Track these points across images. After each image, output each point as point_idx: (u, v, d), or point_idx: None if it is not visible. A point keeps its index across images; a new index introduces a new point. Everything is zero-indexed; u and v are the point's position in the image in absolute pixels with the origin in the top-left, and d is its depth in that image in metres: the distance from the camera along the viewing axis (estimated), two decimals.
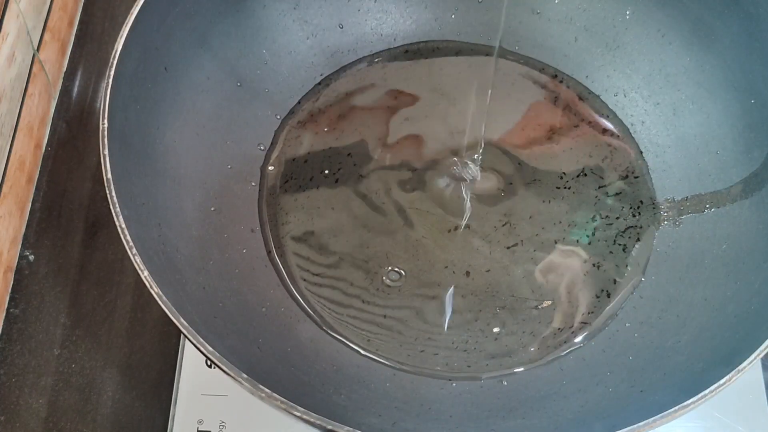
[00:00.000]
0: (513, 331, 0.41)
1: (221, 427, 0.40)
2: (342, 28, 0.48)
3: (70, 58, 0.52)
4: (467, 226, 0.44)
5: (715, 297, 0.39)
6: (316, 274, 0.42)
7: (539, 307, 0.42)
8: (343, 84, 0.47)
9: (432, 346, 0.40)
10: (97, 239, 0.47)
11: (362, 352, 0.40)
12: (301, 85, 0.47)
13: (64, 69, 0.52)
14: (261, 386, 0.30)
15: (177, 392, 0.41)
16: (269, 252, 0.42)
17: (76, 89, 0.52)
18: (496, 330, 0.41)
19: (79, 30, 0.53)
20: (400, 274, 0.42)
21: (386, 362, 0.40)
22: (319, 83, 0.47)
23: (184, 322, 0.31)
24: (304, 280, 0.42)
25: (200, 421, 0.40)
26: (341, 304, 0.41)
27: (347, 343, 0.40)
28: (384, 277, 0.42)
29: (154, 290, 0.31)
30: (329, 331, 0.40)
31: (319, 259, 0.42)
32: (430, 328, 0.41)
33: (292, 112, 0.46)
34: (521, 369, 0.40)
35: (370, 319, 0.41)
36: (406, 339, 0.41)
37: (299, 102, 0.47)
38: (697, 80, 0.44)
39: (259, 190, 0.44)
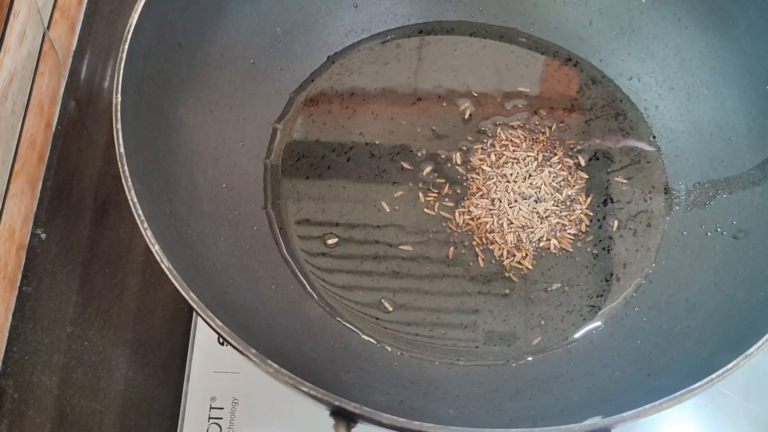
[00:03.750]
0: (522, 313, 0.41)
1: (234, 404, 0.40)
2: (356, 7, 0.47)
3: (79, 36, 0.52)
4: (479, 207, 0.44)
5: (725, 283, 0.39)
6: (324, 255, 0.42)
7: (548, 289, 0.42)
8: (356, 62, 0.47)
9: (440, 326, 0.40)
10: (107, 218, 0.47)
11: (365, 337, 0.40)
12: (314, 63, 0.47)
13: (74, 48, 0.52)
14: (269, 361, 0.30)
15: (189, 370, 0.41)
16: (279, 230, 0.42)
17: (85, 68, 0.52)
18: (504, 311, 0.41)
19: (88, 9, 0.53)
20: (408, 254, 0.42)
21: (392, 346, 0.40)
22: (333, 62, 0.47)
23: (195, 297, 0.31)
24: (309, 263, 0.42)
25: (213, 399, 0.40)
26: (346, 287, 0.41)
27: (353, 329, 0.40)
28: (393, 258, 0.42)
29: (165, 264, 0.31)
30: (337, 318, 0.40)
31: (329, 239, 0.42)
32: (438, 309, 0.41)
33: (304, 90, 0.46)
34: (529, 350, 0.40)
35: (374, 300, 0.41)
36: (414, 319, 0.41)
37: (312, 80, 0.47)
38: (712, 65, 0.44)
39: (271, 168, 0.44)
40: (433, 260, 0.42)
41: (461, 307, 0.41)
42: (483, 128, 0.46)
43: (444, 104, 0.46)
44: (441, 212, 0.44)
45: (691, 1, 0.44)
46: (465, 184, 0.44)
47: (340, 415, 0.30)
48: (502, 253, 0.42)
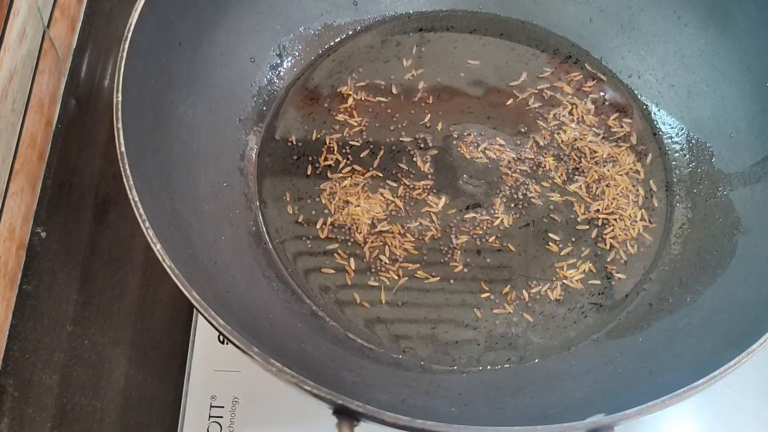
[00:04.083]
0: (523, 311, 0.41)
1: (234, 402, 0.40)
2: (356, 5, 0.47)
3: (79, 35, 0.52)
4: (479, 205, 0.44)
5: (727, 280, 0.39)
6: (324, 254, 0.42)
7: (550, 287, 0.42)
8: (357, 62, 0.47)
9: (442, 324, 0.40)
10: (107, 216, 0.47)
11: (366, 344, 0.40)
12: (313, 61, 0.47)
13: (74, 46, 0.52)
14: (272, 360, 0.30)
15: (190, 368, 0.41)
16: (279, 228, 0.42)
17: (85, 66, 0.52)
18: (506, 310, 0.41)
19: (88, 7, 0.53)
20: (410, 252, 0.42)
21: (394, 344, 0.40)
22: (333, 60, 0.47)
23: (197, 296, 0.31)
24: (309, 261, 0.42)
25: (213, 397, 0.40)
26: (347, 286, 0.41)
27: (354, 327, 0.40)
28: (393, 256, 0.42)
29: (167, 263, 0.31)
30: (338, 316, 0.40)
31: (329, 238, 0.42)
32: (439, 307, 0.41)
33: (304, 88, 0.46)
34: (531, 348, 0.40)
35: (376, 298, 0.41)
36: (415, 317, 0.41)
37: (312, 78, 0.47)
38: (712, 63, 0.44)
39: (270, 167, 0.44)
40: (435, 258, 0.42)
41: (463, 305, 0.41)
42: (484, 126, 0.46)
43: (444, 102, 0.46)
44: (443, 210, 0.44)
45: None
46: (466, 186, 0.44)
47: (343, 413, 0.30)
48: (504, 251, 0.42)
